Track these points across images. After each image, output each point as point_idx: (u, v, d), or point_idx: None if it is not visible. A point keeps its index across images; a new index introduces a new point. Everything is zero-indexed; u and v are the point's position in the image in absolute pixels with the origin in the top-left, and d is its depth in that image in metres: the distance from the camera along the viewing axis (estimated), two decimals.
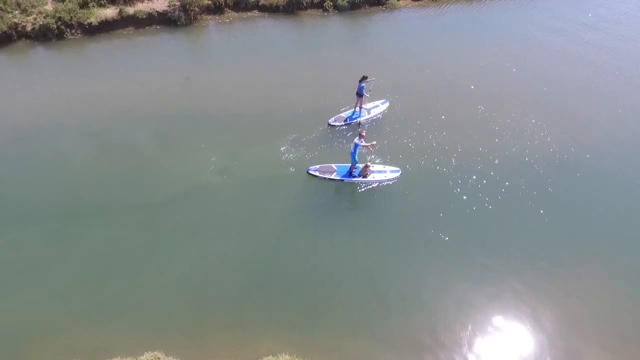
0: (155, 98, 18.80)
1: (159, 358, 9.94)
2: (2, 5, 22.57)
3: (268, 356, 10.01)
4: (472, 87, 19.42)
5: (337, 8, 25.73)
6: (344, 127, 17.33)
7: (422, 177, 15.17)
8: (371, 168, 15.07)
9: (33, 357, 10.33)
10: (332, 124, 17.38)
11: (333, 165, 15.36)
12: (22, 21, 22.51)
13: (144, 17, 23.79)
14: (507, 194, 14.50)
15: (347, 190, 14.90)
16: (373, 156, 15.71)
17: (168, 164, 15.59)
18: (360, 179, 14.95)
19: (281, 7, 25.33)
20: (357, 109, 17.63)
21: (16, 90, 19.44)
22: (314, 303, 11.51)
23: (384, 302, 11.57)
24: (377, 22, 25.06)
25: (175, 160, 15.74)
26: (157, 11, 24.00)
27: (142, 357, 9.89)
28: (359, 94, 17.06)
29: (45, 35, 22.46)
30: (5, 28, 22.05)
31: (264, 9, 25.44)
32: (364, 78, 16.71)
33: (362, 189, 14.79)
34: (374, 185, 14.89)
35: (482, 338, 10.89)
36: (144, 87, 19.48)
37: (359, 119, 17.58)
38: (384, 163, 15.52)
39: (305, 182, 14.89)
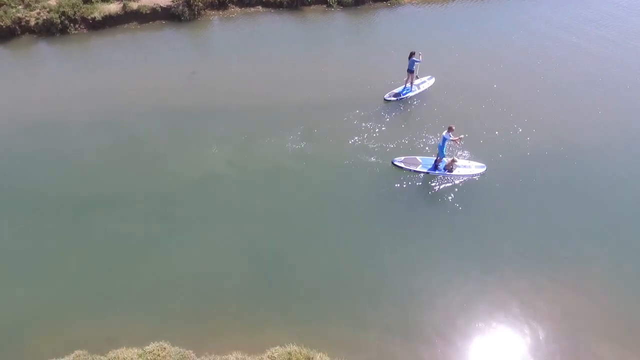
0: (160, 92, 18.70)
1: (164, 348, 9.84)
2: (6, 0, 22.52)
3: (275, 346, 9.91)
4: (495, 85, 19.30)
5: (341, 4, 25.61)
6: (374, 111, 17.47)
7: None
8: (457, 163, 14.86)
9: (39, 347, 10.24)
10: (387, 99, 18.17)
11: (418, 157, 15.31)
12: (26, 16, 22.46)
13: (148, 12, 23.71)
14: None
15: (363, 181, 14.62)
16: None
17: (176, 156, 15.52)
18: (445, 172, 14.79)
19: (285, 2, 25.23)
20: (408, 84, 18.29)
21: (20, 85, 19.39)
22: (321, 295, 11.41)
23: (392, 295, 11.47)
24: (382, 17, 24.94)
25: (184, 152, 15.68)
26: (160, 6, 23.92)
27: (148, 347, 9.80)
28: (410, 70, 17.75)
29: (49, 30, 22.41)
30: (9, 23, 22.02)
31: (267, 4, 25.35)
32: (412, 54, 17.36)
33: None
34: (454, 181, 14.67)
35: (491, 333, 10.80)
36: (149, 81, 19.41)
37: (409, 94, 18.24)
38: (469, 158, 15.32)
39: (313, 176, 14.79)
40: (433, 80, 19.17)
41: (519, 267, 12.02)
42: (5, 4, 22.48)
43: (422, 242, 12.73)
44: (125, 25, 23.56)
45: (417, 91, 18.62)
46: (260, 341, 10.27)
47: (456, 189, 14.47)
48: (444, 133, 14.38)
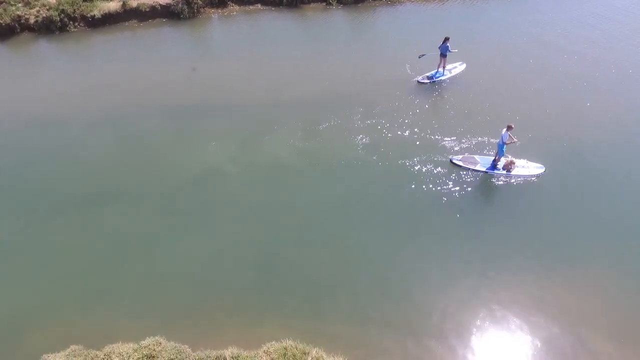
0: (160, 90, 18.70)
1: (160, 343, 9.79)
2: None
3: (271, 342, 9.85)
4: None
5: (341, 1, 25.60)
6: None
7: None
8: (516, 163, 14.66)
9: (35, 342, 10.18)
10: (421, 81, 18.86)
11: (476, 156, 15.18)
12: (26, 14, 22.50)
13: (147, 10, 23.74)
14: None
15: (373, 177, 14.53)
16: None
17: (177, 153, 15.49)
18: (503, 172, 14.62)
19: (284, 0, 25.22)
20: (441, 68, 18.99)
21: (20, 83, 19.39)
22: (319, 291, 11.35)
23: (389, 290, 11.41)
24: (382, 15, 24.89)
25: (185, 149, 15.64)
26: (160, 4, 23.94)
27: (143, 342, 9.74)
28: (443, 54, 18.26)
29: (49, 27, 22.45)
30: (8, 20, 22.08)
31: (267, 2, 25.35)
32: (446, 39, 17.92)
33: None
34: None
35: (491, 328, 10.73)
36: (148, 79, 19.40)
37: (441, 77, 18.99)
38: (528, 159, 15.01)
39: (313, 173, 14.76)
40: (464, 66, 19.50)
41: (543, 269, 11.88)
42: (5, 1, 22.52)
43: (421, 239, 12.66)
44: (125, 23, 23.58)
45: (449, 75, 19.09)
46: (256, 337, 10.16)
47: (511, 189, 14.35)
48: (502, 131, 14.06)
